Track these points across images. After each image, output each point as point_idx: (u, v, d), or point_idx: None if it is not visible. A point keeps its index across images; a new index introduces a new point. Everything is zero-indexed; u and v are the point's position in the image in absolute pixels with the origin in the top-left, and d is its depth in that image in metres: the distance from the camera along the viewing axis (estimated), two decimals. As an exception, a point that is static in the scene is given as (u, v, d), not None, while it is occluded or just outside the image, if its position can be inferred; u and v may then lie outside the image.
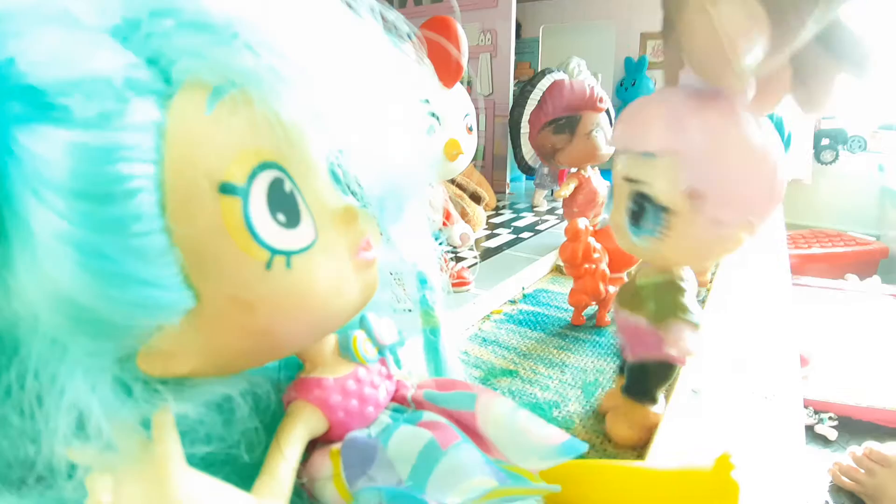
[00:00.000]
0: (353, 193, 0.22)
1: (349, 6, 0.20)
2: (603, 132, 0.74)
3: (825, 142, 2.64)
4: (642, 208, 0.32)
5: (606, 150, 0.75)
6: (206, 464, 0.19)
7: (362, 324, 0.25)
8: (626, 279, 0.61)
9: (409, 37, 0.23)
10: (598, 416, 0.44)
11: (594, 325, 0.60)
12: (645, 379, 0.39)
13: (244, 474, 0.20)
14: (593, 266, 0.55)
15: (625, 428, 0.40)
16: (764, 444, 0.39)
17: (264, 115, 0.17)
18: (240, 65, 0.16)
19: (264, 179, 0.17)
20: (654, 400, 0.40)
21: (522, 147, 0.96)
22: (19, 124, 0.14)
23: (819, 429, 1.44)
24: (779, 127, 0.58)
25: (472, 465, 0.21)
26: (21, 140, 0.14)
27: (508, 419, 0.24)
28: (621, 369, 0.43)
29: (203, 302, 0.17)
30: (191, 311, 0.17)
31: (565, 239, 0.54)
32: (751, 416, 0.43)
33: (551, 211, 1.06)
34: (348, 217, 0.21)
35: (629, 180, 0.33)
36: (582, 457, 0.23)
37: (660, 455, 0.37)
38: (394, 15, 0.21)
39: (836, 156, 2.65)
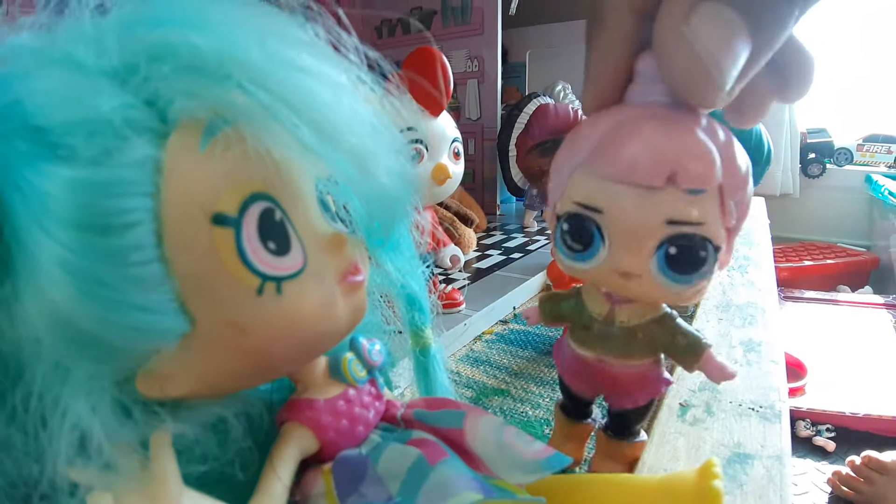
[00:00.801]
0: (341, 220, 0.23)
1: (334, 46, 0.21)
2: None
3: (812, 155, 2.68)
4: (692, 252, 0.26)
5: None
6: (202, 483, 0.20)
7: (352, 346, 0.26)
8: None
9: (393, 70, 0.25)
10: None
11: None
12: (634, 419, 0.37)
13: (239, 493, 0.21)
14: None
15: (616, 466, 0.38)
16: (756, 455, 0.40)
17: (255, 149, 0.18)
18: (232, 104, 0.17)
19: (255, 210, 0.18)
20: (638, 434, 0.38)
21: (511, 170, 0.98)
22: (26, 162, 0.15)
23: (817, 440, 1.44)
24: (758, 141, 0.60)
25: (460, 480, 0.22)
26: (28, 177, 0.15)
27: (495, 435, 0.25)
28: (571, 413, 0.40)
29: (198, 326, 0.18)
30: (186, 335, 0.18)
31: (553, 259, 0.55)
32: (740, 428, 0.43)
33: (541, 231, 1.07)
34: (336, 243, 0.22)
35: (675, 223, 0.26)
36: (568, 472, 0.23)
37: (648, 469, 0.38)
38: (375, 54, 0.23)
39: (823, 169, 2.68)
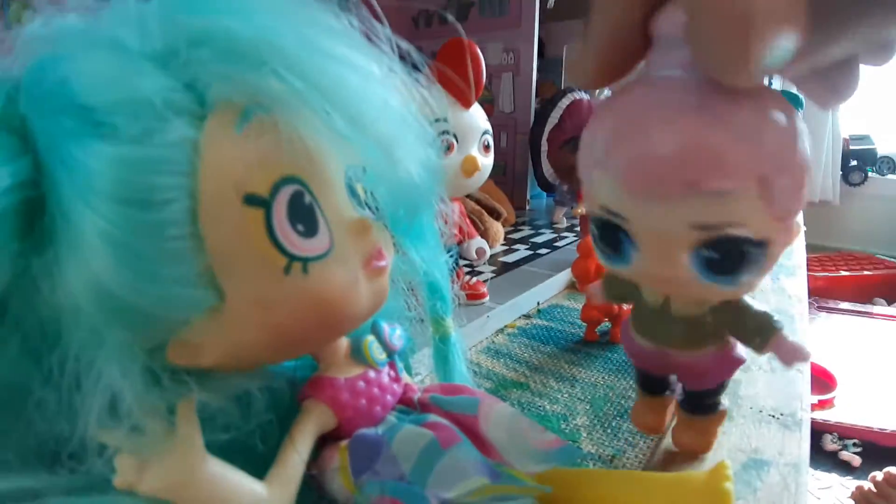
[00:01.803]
0: (368, 206, 0.24)
1: (367, 36, 0.22)
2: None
3: (854, 162, 2.61)
4: (733, 253, 0.24)
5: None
6: (224, 451, 0.21)
7: (373, 329, 0.27)
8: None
9: (426, 61, 0.25)
10: (606, 429, 0.45)
11: (607, 342, 0.61)
12: (708, 397, 0.36)
13: (258, 464, 0.22)
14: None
15: (696, 437, 0.38)
16: (773, 462, 0.40)
17: (288, 134, 0.19)
18: (267, 89, 0.18)
19: (286, 192, 0.19)
20: (716, 407, 0.37)
21: (542, 165, 0.97)
22: (72, 139, 0.16)
23: (843, 455, 1.41)
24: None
25: (470, 465, 0.23)
26: (73, 153, 0.16)
27: (509, 423, 0.25)
28: (651, 389, 0.39)
29: (227, 300, 0.19)
30: (215, 308, 0.19)
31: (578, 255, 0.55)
32: (759, 434, 0.43)
33: (570, 228, 1.06)
34: (362, 228, 0.22)
35: (705, 227, 0.23)
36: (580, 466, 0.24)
37: (664, 471, 0.38)
38: (407, 45, 0.23)
39: (865, 177, 2.60)
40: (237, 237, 0.18)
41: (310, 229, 0.20)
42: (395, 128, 0.21)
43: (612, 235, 0.26)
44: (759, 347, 0.31)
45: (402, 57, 0.23)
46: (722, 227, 0.23)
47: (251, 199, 0.18)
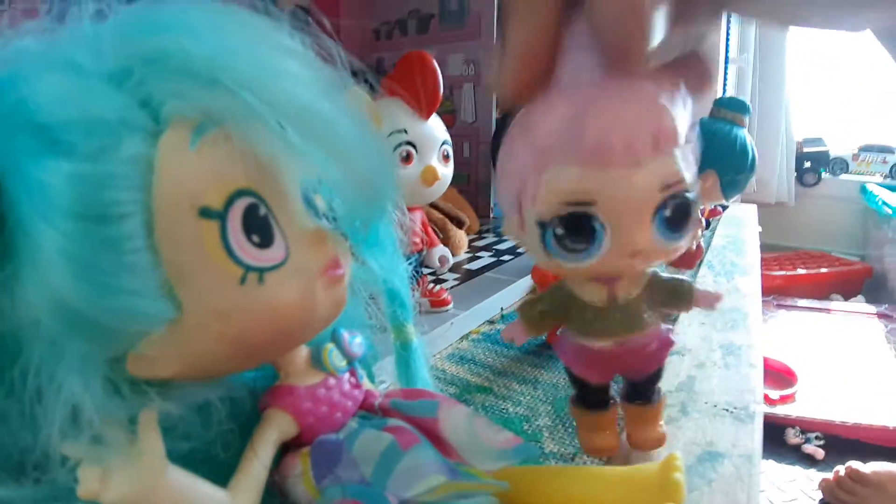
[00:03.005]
0: (324, 216, 0.25)
1: (320, 54, 0.23)
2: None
3: (807, 164, 2.69)
4: (682, 208, 0.27)
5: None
6: (187, 461, 0.21)
7: (333, 337, 0.27)
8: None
9: (384, 73, 0.26)
10: (567, 428, 0.46)
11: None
12: (655, 381, 0.37)
13: (221, 473, 0.22)
14: (557, 283, 0.57)
15: (652, 429, 0.38)
16: (727, 454, 0.41)
17: (241, 149, 0.20)
18: (219, 105, 0.19)
19: (240, 205, 0.20)
20: (660, 392, 0.38)
21: (505, 172, 0.99)
22: (30, 156, 0.17)
23: (807, 448, 1.45)
24: (742, 147, 0.62)
25: (429, 465, 0.24)
26: (31, 170, 0.17)
27: (467, 424, 0.26)
28: (589, 404, 0.38)
29: (184, 312, 0.19)
30: (173, 319, 0.19)
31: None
32: (713, 428, 0.45)
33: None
34: (318, 238, 0.23)
35: (666, 186, 0.26)
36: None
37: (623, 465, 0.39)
38: (358, 63, 0.24)
39: (819, 178, 2.69)
40: (193, 249, 0.19)
41: (265, 240, 0.20)
42: (348, 140, 0.22)
43: (581, 226, 0.27)
44: (687, 305, 0.34)
45: (355, 73, 0.24)
46: (675, 184, 0.26)
47: (205, 212, 0.19)
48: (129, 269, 0.18)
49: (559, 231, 0.27)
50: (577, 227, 0.27)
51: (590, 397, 0.38)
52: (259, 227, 0.20)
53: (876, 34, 0.22)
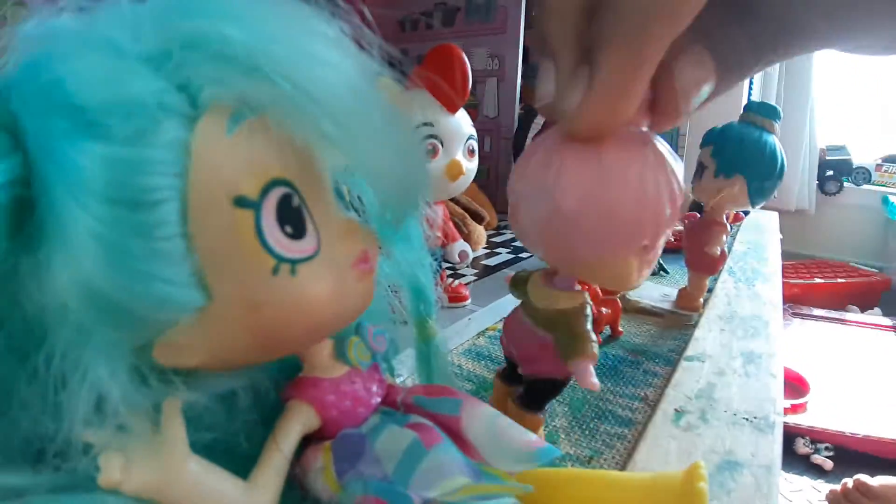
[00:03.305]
0: (355, 210, 0.24)
1: (357, 42, 0.22)
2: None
3: (829, 173, 2.66)
4: None
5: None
6: (210, 451, 0.21)
7: (358, 330, 0.27)
8: (619, 301, 0.63)
9: (412, 65, 0.26)
10: (584, 430, 0.45)
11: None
12: (544, 394, 0.40)
13: (242, 463, 0.22)
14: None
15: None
16: (746, 464, 0.41)
17: (278, 137, 0.19)
18: (258, 92, 0.18)
19: (275, 195, 0.19)
20: (542, 409, 0.40)
21: (525, 169, 0.98)
22: (65, 138, 0.16)
23: (815, 458, 1.44)
24: (772, 154, 0.61)
25: (452, 465, 0.23)
26: (66, 152, 0.16)
27: (489, 424, 0.26)
28: (506, 377, 0.43)
29: (215, 301, 0.19)
30: (203, 309, 0.19)
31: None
32: (733, 437, 0.44)
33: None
34: (349, 231, 0.23)
35: None
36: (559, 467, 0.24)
37: (638, 469, 0.39)
38: (395, 51, 0.23)
39: (841, 187, 2.66)
40: (226, 238, 0.18)
41: (298, 231, 0.20)
42: (383, 132, 0.22)
43: None
44: (567, 357, 0.35)
45: (391, 63, 0.24)
46: None
47: (241, 202, 0.18)
48: (161, 256, 0.17)
49: None
50: None
51: (509, 370, 0.42)
52: (292, 218, 0.20)
53: None
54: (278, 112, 0.19)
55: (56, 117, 0.17)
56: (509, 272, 0.78)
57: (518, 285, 0.40)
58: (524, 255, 0.87)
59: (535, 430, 0.38)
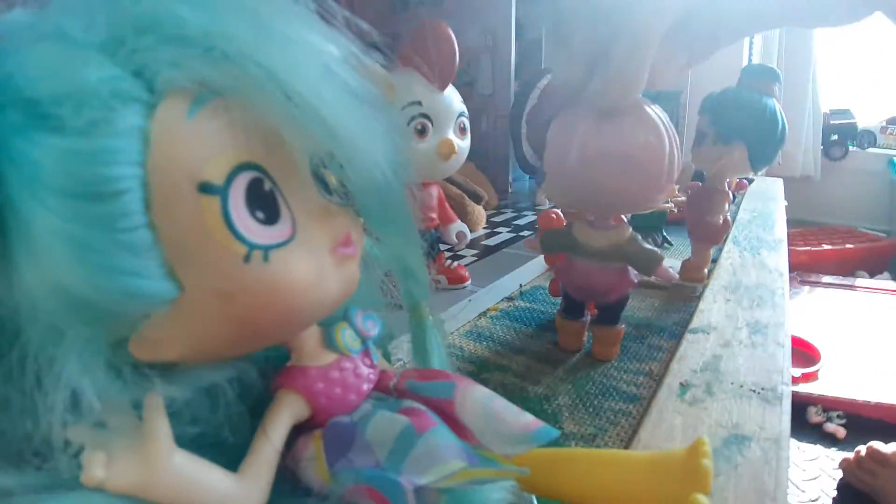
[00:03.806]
0: (337, 193, 0.23)
1: (324, 18, 0.21)
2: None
3: (834, 137, 2.62)
4: None
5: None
6: (196, 445, 0.20)
7: (346, 316, 0.26)
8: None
9: (396, 44, 0.25)
10: (588, 408, 0.45)
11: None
12: (620, 309, 0.52)
13: (231, 456, 0.21)
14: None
15: (612, 348, 0.53)
16: (753, 437, 0.40)
17: (244, 120, 0.18)
18: (218, 74, 0.18)
19: (243, 180, 0.19)
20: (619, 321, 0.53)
21: (523, 146, 0.97)
22: (18, 133, 0.16)
23: (828, 427, 1.43)
24: (772, 117, 0.59)
25: (446, 449, 0.22)
26: (20, 147, 0.16)
27: (484, 406, 0.25)
28: (569, 313, 0.54)
29: (186, 292, 0.18)
30: (175, 300, 0.18)
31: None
32: (740, 410, 0.44)
33: (553, 209, 1.06)
34: (327, 214, 0.22)
35: None
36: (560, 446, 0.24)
37: (643, 446, 0.38)
38: (367, 26, 0.23)
39: (846, 151, 2.63)
40: (193, 227, 0.18)
41: (270, 216, 0.19)
42: (356, 112, 0.21)
43: None
44: (648, 271, 0.49)
45: (370, 41, 0.23)
46: None
47: (205, 188, 0.18)
48: (126, 249, 0.17)
49: None
50: None
51: (571, 308, 0.54)
52: (264, 203, 0.19)
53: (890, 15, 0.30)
54: (241, 93, 0.18)
55: (8, 112, 0.16)
56: (511, 251, 0.77)
57: (557, 241, 0.51)
58: (525, 233, 0.87)
59: (619, 339, 0.53)
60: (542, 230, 0.58)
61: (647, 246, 0.48)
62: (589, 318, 0.55)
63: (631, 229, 0.48)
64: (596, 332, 0.53)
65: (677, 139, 0.42)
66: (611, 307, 0.52)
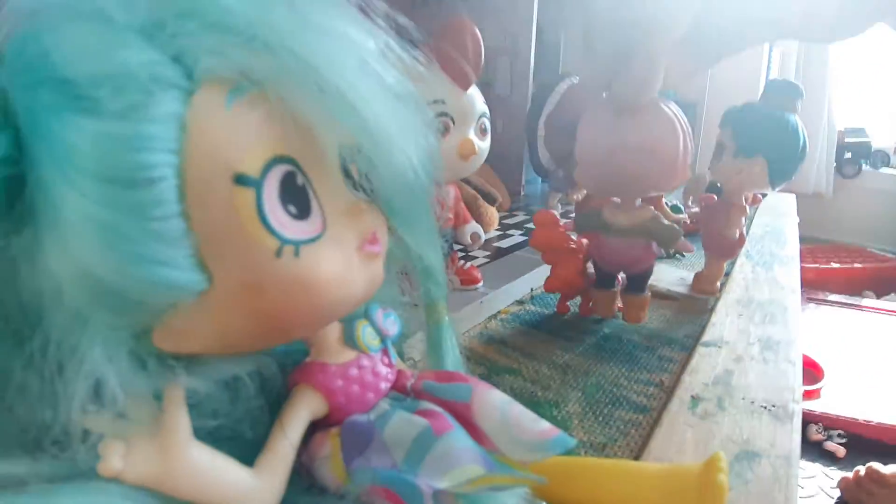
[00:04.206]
0: (363, 189, 0.23)
1: (363, 11, 0.21)
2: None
3: (847, 155, 2.61)
4: None
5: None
6: (213, 438, 0.20)
7: (367, 314, 0.26)
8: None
9: (423, 40, 0.24)
10: (598, 417, 0.45)
11: (600, 328, 0.61)
12: (646, 278, 0.59)
13: (248, 450, 0.21)
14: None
15: (641, 312, 0.59)
16: (764, 454, 0.40)
17: (280, 112, 0.18)
18: (258, 65, 0.17)
19: (277, 173, 0.18)
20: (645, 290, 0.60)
21: (539, 150, 0.96)
22: (52, 113, 0.15)
23: (828, 445, 1.43)
24: (794, 133, 0.59)
25: (463, 453, 0.22)
26: (54, 128, 0.15)
27: (501, 412, 0.25)
28: (602, 284, 0.61)
29: (216, 284, 0.18)
30: (204, 292, 0.18)
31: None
32: (751, 426, 0.43)
33: (565, 214, 1.06)
34: (356, 212, 0.22)
35: None
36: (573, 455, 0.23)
37: (653, 458, 0.38)
38: (405, 21, 0.22)
39: (859, 170, 2.61)
40: (226, 218, 0.17)
41: (302, 211, 0.19)
42: (391, 108, 0.21)
43: None
44: (670, 245, 0.57)
45: (400, 34, 0.23)
46: None
47: (241, 179, 0.17)
48: (158, 238, 0.16)
49: None
50: None
51: (603, 280, 0.61)
52: (296, 197, 0.19)
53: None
54: (279, 85, 0.18)
55: (43, 91, 0.16)
56: (523, 254, 0.77)
57: (589, 222, 0.58)
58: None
59: (646, 305, 0.60)
60: (538, 226, 0.64)
61: (667, 223, 0.54)
62: (619, 287, 0.61)
63: (653, 209, 0.56)
64: (626, 300, 0.60)
65: (691, 133, 0.50)
66: (637, 277, 0.59)
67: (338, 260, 0.20)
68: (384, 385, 0.25)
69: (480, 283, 0.62)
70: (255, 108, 0.18)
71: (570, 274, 0.61)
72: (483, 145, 0.57)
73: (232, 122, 0.17)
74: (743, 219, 0.66)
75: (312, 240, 0.19)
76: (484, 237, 0.65)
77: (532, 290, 0.70)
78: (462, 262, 0.63)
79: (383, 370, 0.26)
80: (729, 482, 0.36)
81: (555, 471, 0.28)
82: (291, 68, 0.18)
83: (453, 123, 0.53)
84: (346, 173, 0.22)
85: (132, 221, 0.16)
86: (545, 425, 0.24)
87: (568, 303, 0.64)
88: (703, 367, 0.52)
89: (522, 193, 1.21)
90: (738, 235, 0.66)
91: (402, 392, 0.26)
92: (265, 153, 0.18)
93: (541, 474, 0.24)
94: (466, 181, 0.87)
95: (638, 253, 0.57)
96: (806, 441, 1.43)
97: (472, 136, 0.55)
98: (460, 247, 0.68)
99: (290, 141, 0.19)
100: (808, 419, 1.46)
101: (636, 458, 0.39)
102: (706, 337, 0.59)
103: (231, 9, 0.17)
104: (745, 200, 0.66)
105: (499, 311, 0.63)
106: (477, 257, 0.73)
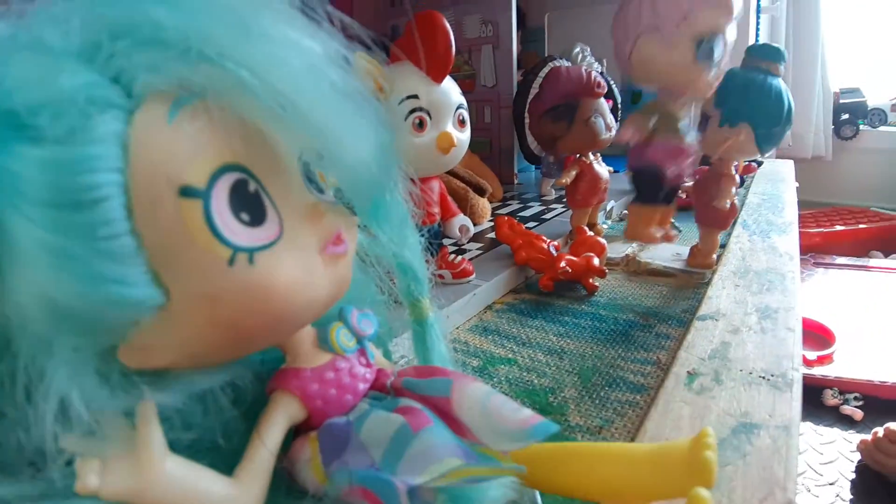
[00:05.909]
0: (323, 190, 0.23)
1: (305, 13, 0.21)
2: (602, 118, 0.75)
3: (844, 116, 2.59)
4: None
5: (606, 137, 0.75)
6: (193, 450, 0.20)
7: (341, 316, 0.26)
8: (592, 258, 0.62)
9: (388, 37, 0.24)
10: (594, 400, 0.44)
11: (597, 311, 0.60)
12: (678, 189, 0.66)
13: (227, 461, 0.21)
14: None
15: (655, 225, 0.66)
16: (763, 425, 0.39)
17: (227, 121, 0.18)
18: (196, 76, 0.17)
19: (227, 181, 0.18)
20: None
21: (527, 137, 0.96)
22: None
23: (845, 409, 1.42)
24: (778, 97, 0.58)
25: (443, 447, 0.22)
26: (1, 160, 0.15)
27: (482, 403, 0.25)
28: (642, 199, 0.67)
29: (173, 297, 0.18)
30: (162, 307, 0.18)
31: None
32: (749, 397, 0.43)
33: (559, 199, 1.06)
34: (316, 213, 0.22)
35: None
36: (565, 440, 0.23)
37: (649, 438, 0.38)
38: (349, 20, 0.22)
39: (857, 130, 2.59)
40: (176, 231, 0.17)
41: (256, 218, 0.19)
42: (339, 107, 0.20)
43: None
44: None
45: (357, 37, 0.23)
46: None
47: (187, 191, 0.17)
48: (109, 256, 0.16)
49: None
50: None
51: (662, 193, 0.65)
52: (248, 204, 0.19)
53: None
54: (222, 94, 0.18)
55: None
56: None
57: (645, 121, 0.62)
58: (530, 224, 0.86)
59: (671, 216, 0.69)
60: (497, 226, 0.69)
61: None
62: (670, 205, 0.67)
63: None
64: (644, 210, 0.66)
65: None
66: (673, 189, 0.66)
67: (297, 264, 0.20)
68: (362, 386, 0.25)
69: (473, 276, 0.62)
70: (199, 119, 0.18)
71: (533, 251, 0.67)
72: (462, 137, 0.56)
73: (174, 135, 0.17)
74: (734, 188, 0.65)
75: (267, 246, 0.19)
76: (473, 229, 0.65)
77: (526, 278, 0.69)
78: (454, 255, 0.62)
79: (361, 371, 0.26)
80: (726, 456, 0.36)
81: (544, 457, 0.28)
82: (231, 76, 0.17)
83: (430, 118, 0.53)
84: (308, 176, 0.22)
85: (82, 243, 0.16)
86: (526, 413, 0.24)
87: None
88: (700, 341, 0.52)
89: (516, 182, 1.20)
90: (729, 206, 0.65)
91: (382, 391, 0.26)
92: (212, 163, 0.18)
93: (529, 462, 0.24)
94: (456, 175, 0.87)
95: (686, 149, 0.61)
96: (822, 406, 1.43)
97: (450, 128, 0.54)
98: (451, 241, 0.68)
99: (239, 148, 0.19)
100: (823, 384, 1.45)
101: (633, 438, 0.39)
102: (702, 311, 0.58)
103: (162, 23, 0.17)
104: (736, 169, 0.66)
105: (493, 302, 0.63)
106: (470, 250, 0.73)
